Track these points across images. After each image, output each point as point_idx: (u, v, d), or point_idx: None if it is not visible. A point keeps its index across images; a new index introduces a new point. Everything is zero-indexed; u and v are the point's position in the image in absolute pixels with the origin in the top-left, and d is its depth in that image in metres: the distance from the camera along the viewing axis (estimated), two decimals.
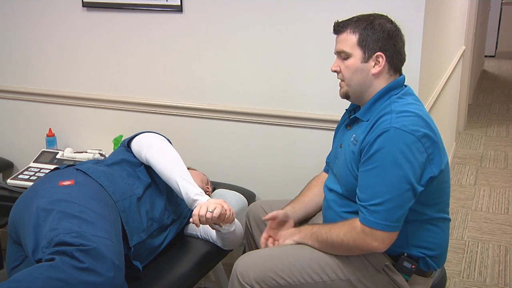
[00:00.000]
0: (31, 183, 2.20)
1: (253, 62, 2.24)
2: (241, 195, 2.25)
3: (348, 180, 1.62)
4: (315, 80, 2.16)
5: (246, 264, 1.63)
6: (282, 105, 2.24)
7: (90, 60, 2.53)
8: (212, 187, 2.22)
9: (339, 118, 1.89)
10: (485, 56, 7.85)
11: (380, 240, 1.52)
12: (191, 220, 1.70)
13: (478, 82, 6.74)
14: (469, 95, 5.05)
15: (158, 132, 2.02)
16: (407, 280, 1.63)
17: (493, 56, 8.39)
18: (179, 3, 2.27)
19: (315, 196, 1.88)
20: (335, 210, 1.69)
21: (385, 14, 1.63)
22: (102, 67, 2.51)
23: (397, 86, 1.62)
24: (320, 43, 2.11)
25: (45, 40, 2.58)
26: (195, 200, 1.74)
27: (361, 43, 1.58)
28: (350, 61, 1.60)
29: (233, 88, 2.31)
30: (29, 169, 2.43)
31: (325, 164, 1.96)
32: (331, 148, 1.93)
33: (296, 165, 2.29)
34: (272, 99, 2.25)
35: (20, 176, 2.38)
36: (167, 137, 2.02)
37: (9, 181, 2.36)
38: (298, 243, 1.70)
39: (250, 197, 2.31)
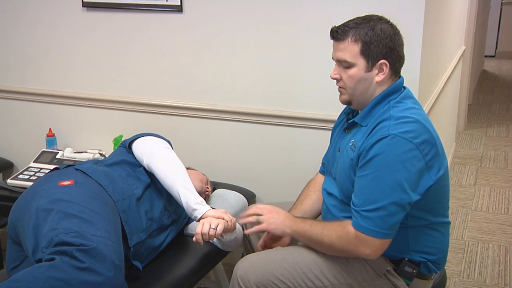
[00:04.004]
0: (31, 183, 2.20)
1: (253, 62, 2.24)
2: (241, 195, 2.25)
3: (346, 186, 1.61)
4: (315, 80, 2.16)
5: (246, 268, 1.62)
6: (282, 105, 2.24)
7: (90, 60, 2.53)
8: (212, 187, 2.22)
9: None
10: (485, 56, 7.85)
11: (372, 247, 1.50)
12: (194, 239, 1.69)
13: (478, 82, 6.74)
14: (469, 95, 5.06)
15: (158, 135, 2.02)
16: (408, 284, 1.62)
17: (493, 56, 8.39)
18: (179, 3, 2.27)
19: (313, 204, 1.85)
20: (335, 215, 1.68)
21: (381, 15, 1.60)
22: (102, 67, 2.51)
23: (396, 90, 1.60)
24: (320, 43, 2.11)
25: (45, 40, 2.58)
26: (194, 210, 1.75)
27: (365, 52, 1.54)
28: (353, 71, 1.56)
29: (233, 88, 2.31)
30: (29, 169, 2.43)
31: (321, 165, 1.94)
32: (327, 150, 1.92)
33: (296, 165, 2.29)
34: (272, 99, 2.25)
35: (20, 176, 2.38)
36: (167, 139, 2.02)
37: (9, 181, 2.36)
38: (288, 235, 1.70)
39: (250, 197, 2.31)
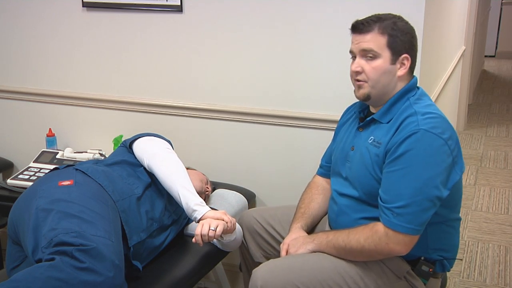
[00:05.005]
0: (31, 183, 2.20)
1: (253, 62, 2.24)
2: (241, 195, 2.25)
3: (368, 183, 1.59)
4: (315, 80, 2.16)
5: (266, 277, 1.57)
6: (282, 105, 2.24)
7: (90, 60, 2.53)
8: (212, 187, 2.22)
9: (338, 118, 1.88)
10: (485, 56, 7.85)
11: (402, 243, 1.50)
12: (193, 240, 1.69)
13: (478, 82, 6.74)
14: (469, 95, 5.05)
15: (159, 135, 2.01)
16: (424, 284, 1.61)
17: (493, 56, 8.38)
18: (179, 3, 2.27)
19: (320, 207, 1.84)
20: (350, 216, 1.65)
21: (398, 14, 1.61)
22: (102, 67, 2.51)
23: (413, 88, 1.62)
24: (320, 43, 2.11)
25: (45, 40, 2.58)
26: (194, 211, 1.74)
27: (391, 45, 1.54)
28: (378, 62, 1.55)
29: (233, 88, 2.31)
30: (29, 169, 2.43)
31: (320, 167, 1.92)
32: (327, 150, 1.90)
33: (296, 165, 2.29)
34: (272, 99, 2.25)
35: (20, 176, 2.38)
36: (167, 139, 2.02)
37: (9, 181, 2.36)
38: (313, 252, 1.66)
39: (250, 197, 2.31)
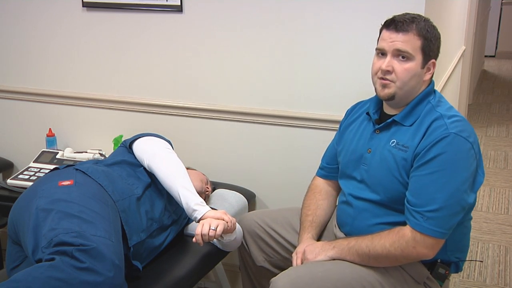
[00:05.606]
0: (31, 183, 2.20)
1: (253, 62, 2.24)
2: (241, 195, 2.25)
3: (393, 187, 1.56)
4: (315, 80, 2.16)
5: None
6: (282, 105, 2.24)
7: (90, 60, 2.53)
8: (212, 187, 2.22)
9: (339, 118, 1.88)
10: (485, 56, 7.84)
11: (430, 247, 1.49)
12: (193, 240, 1.69)
13: (478, 82, 6.74)
14: (469, 95, 5.05)
15: (159, 135, 2.01)
16: (441, 286, 1.61)
17: (493, 56, 8.38)
18: (179, 3, 2.27)
19: (326, 214, 1.82)
20: (368, 221, 1.63)
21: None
22: (102, 67, 2.51)
23: (432, 91, 1.62)
24: (320, 43, 2.11)
25: (45, 40, 2.58)
26: (194, 210, 1.74)
27: (424, 49, 1.53)
28: (410, 64, 1.53)
29: (233, 88, 2.31)
30: (29, 169, 2.43)
31: (320, 168, 1.90)
32: (328, 151, 1.88)
33: (296, 165, 2.29)
34: (272, 99, 2.25)
35: (20, 176, 2.38)
36: (167, 139, 2.02)
37: (9, 181, 2.36)
38: (333, 259, 1.62)
39: (250, 197, 2.31)
